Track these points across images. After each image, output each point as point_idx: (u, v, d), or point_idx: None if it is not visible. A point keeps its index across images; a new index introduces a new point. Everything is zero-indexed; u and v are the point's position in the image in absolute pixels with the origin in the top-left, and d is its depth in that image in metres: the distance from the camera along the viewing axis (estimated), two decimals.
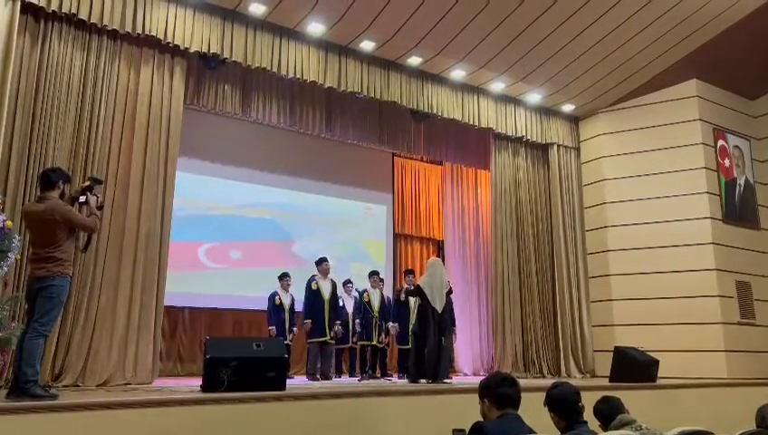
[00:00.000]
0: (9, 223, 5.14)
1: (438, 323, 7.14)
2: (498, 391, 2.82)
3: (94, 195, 4.80)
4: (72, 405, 4.04)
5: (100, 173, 6.60)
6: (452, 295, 7.66)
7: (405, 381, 7.76)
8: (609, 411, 3.42)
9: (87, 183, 4.88)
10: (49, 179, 4.59)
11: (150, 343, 6.70)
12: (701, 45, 9.28)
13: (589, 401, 3.11)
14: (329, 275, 8.36)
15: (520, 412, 2.81)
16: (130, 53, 7.08)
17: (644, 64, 9.54)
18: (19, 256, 5.53)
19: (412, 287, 7.84)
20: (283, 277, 8.40)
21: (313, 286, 8.17)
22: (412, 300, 8.82)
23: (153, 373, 6.71)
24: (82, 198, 4.72)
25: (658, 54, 9.36)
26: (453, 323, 8.75)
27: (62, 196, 4.64)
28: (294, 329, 8.29)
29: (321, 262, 8.38)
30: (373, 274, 9.00)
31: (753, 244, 10.01)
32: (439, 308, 7.16)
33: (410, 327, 8.22)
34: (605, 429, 3.37)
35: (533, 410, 3.04)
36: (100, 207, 4.88)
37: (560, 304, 10.08)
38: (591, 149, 10.68)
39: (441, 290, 7.26)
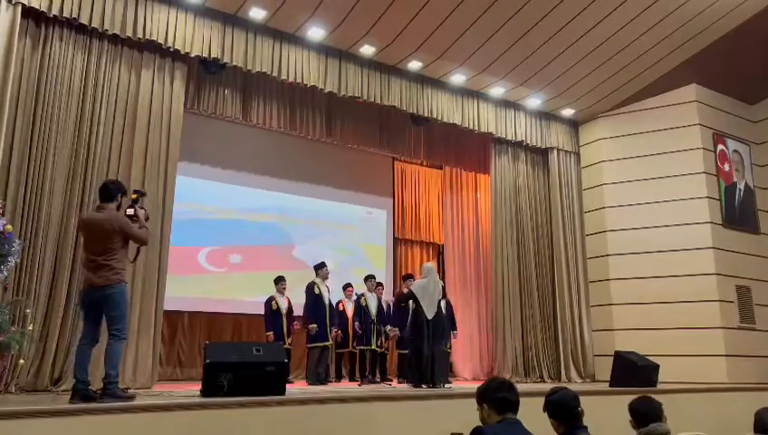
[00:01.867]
0: (9, 227, 5.15)
1: (432, 328, 7.12)
2: (497, 396, 2.81)
3: (141, 208, 4.96)
4: (70, 410, 4.04)
5: (100, 177, 6.60)
6: (451, 299, 7.62)
7: (406, 385, 7.76)
8: (645, 411, 3.33)
9: (134, 196, 5.03)
10: (108, 191, 4.80)
11: (150, 348, 6.70)
12: (700, 50, 9.30)
13: (588, 405, 3.09)
14: (327, 280, 8.36)
15: (519, 417, 2.80)
16: (131, 57, 7.09)
17: (644, 69, 9.55)
18: (19, 260, 5.53)
19: (404, 292, 7.83)
20: (279, 281, 8.35)
21: (316, 290, 8.16)
22: (412, 304, 8.81)
23: (153, 378, 6.71)
24: (130, 211, 4.86)
25: (658, 59, 9.37)
26: (454, 327, 8.77)
27: (117, 208, 4.81)
28: (294, 326, 8.25)
29: (320, 266, 8.39)
30: (369, 278, 9.00)
31: (752, 248, 10.01)
32: (430, 314, 7.13)
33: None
34: (637, 428, 3.32)
35: (533, 415, 3.03)
36: (146, 219, 5.00)
37: (560, 308, 10.07)
38: (591, 154, 10.69)
39: (434, 296, 7.24)
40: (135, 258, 5.20)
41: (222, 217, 9.49)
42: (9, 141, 6.09)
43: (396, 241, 11.34)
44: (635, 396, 3.48)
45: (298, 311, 8.32)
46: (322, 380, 8.00)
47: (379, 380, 8.60)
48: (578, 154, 10.86)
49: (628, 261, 9.92)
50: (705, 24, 8.81)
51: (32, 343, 5.70)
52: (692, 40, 9.08)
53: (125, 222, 4.72)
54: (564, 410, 3.00)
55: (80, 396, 4.44)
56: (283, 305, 8.18)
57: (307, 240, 10.18)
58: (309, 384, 7.79)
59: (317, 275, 8.33)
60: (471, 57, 8.85)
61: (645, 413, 3.34)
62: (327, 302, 8.18)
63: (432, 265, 7.77)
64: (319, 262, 8.48)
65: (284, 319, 8.10)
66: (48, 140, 6.33)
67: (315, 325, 8.00)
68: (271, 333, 7.96)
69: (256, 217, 9.80)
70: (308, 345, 8.16)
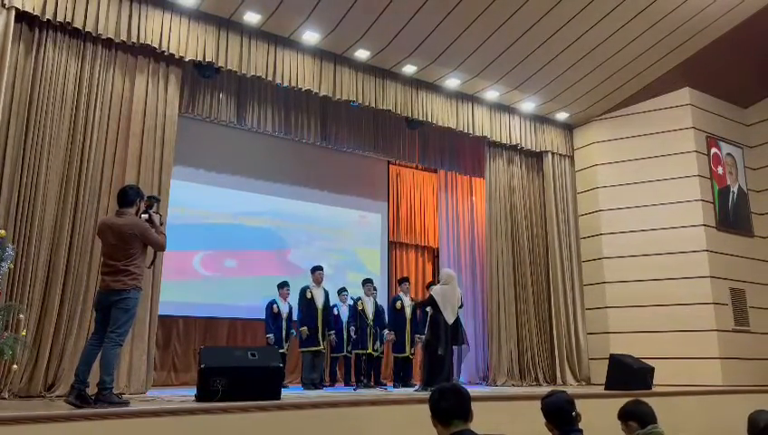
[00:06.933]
0: (2, 232, 5.12)
1: (452, 335, 7.17)
2: (439, 407, 2.56)
3: (157, 213, 4.97)
4: (65, 416, 4.02)
5: (95, 182, 6.59)
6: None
7: (409, 390, 7.78)
8: (646, 412, 3.38)
9: (147, 202, 5.01)
10: (127, 196, 4.82)
11: (144, 353, 6.67)
12: (694, 54, 9.35)
13: (584, 409, 3.10)
14: (322, 284, 8.37)
15: (515, 420, 2.78)
16: (125, 61, 7.07)
17: (637, 73, 9.60)
18: (12, 265, 5.49)
19: (420, 299, 7.88)
20: (283, 286, 8.37)
21: (308, 295, 8.19)
22: (408, 309, 8.83)
23: (147, 383, 6.67)
24: (145, 216, 4.87)
25: (652, 63, 9.42)
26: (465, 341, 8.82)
27: (136, 213, 4.84)
28: (292, 331, 8.26)
29: (314, 270, 8.40)
30: (367, 282, 9.00)
31: (746, 251, 10.04)
32: (450, 319, 7.18)
33: (407, 336, 8.45)
34: (637, 429, 3.33)
35: (529, 417, 3.04)
36: (161, 224, 5.02)
37: (555, 311, 10.08)
38: (586, 157, 10.72)
39: (454, 303, 7.31)
40: (151, 264, 5.22)
41: (216, 221, 9.46)
42: (2, 147, 6.06)
43: (390, 245, 11.34)
44: (628, 400, 3.49)
45: (296, 316, 8.34)
46: (317, 384, 7.99)
47: (373, 384, 8.59)
48: (572, 157, 10.89)
49: (623, 264, 9.94)
50: (697, 27, 8.86)
51: (25, 348, 5.66)
52: (685, 44, 9.13)
53: (146, 228, 4.74)
54: (558, 413, 3.00)
55: (76, 395, 4.43)
56: (284, 310, 8.20)
57: (302, 245, 10.17)
58: (304, 389, 7.78)
59: (312, 279, 8.36)
60: (465, 61, 8.87)
61: (646, 414, 3.36)
62: (320, 306, 8.18)
63: (452, 272, 7.80)
64: (313, 266, 8.49)
65: (284, 323, 8.12)
66: (41, 144, 6.29)
67: (305, 328, 8.01)
68: (271, 335, 7.97)
69: (251, 222, 9.78)
70: (300, 349, 8.17)
